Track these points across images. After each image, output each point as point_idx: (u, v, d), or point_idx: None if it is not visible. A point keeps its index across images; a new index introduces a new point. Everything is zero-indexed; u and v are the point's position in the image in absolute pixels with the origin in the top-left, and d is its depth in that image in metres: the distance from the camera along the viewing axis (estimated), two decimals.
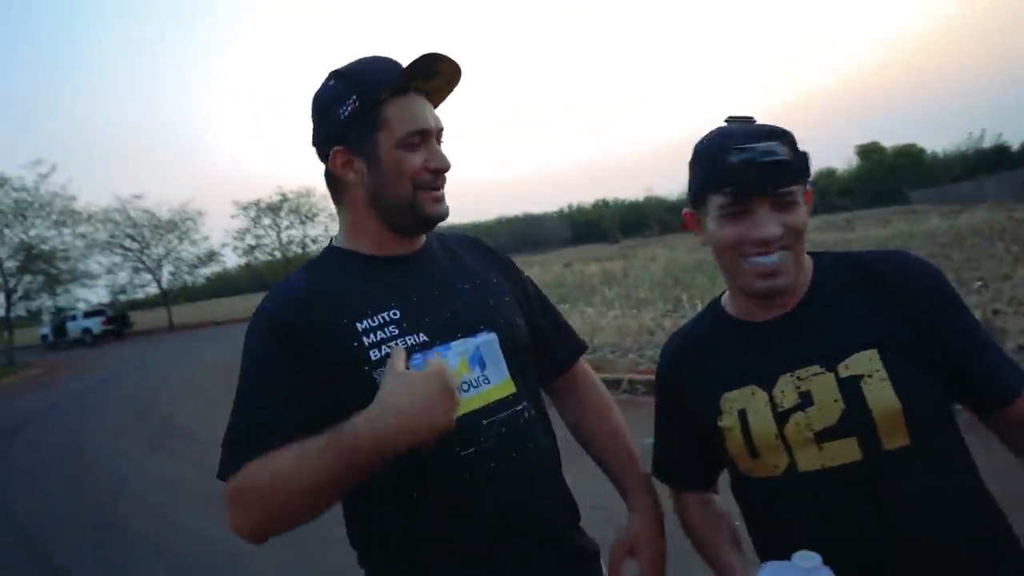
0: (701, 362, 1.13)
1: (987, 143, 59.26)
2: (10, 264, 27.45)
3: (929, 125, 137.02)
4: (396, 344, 1.03)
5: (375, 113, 1.07)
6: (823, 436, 0.99)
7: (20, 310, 30.34)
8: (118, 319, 33.68)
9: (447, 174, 1.13)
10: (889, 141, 70.02)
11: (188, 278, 41.14)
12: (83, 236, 31.93)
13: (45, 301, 31.65)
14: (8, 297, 27.50)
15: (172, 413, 9.72)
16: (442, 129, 1.13)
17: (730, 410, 1.06)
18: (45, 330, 33.77)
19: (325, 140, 1.12)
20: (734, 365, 1.08)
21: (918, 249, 13.97)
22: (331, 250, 1.18)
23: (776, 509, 1.05)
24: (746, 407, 1.05)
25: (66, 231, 30.23)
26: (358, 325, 1.05)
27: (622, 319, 9.86)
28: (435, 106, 1.15)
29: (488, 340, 1.10)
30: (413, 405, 0.91)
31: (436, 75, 1.11)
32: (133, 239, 36.49)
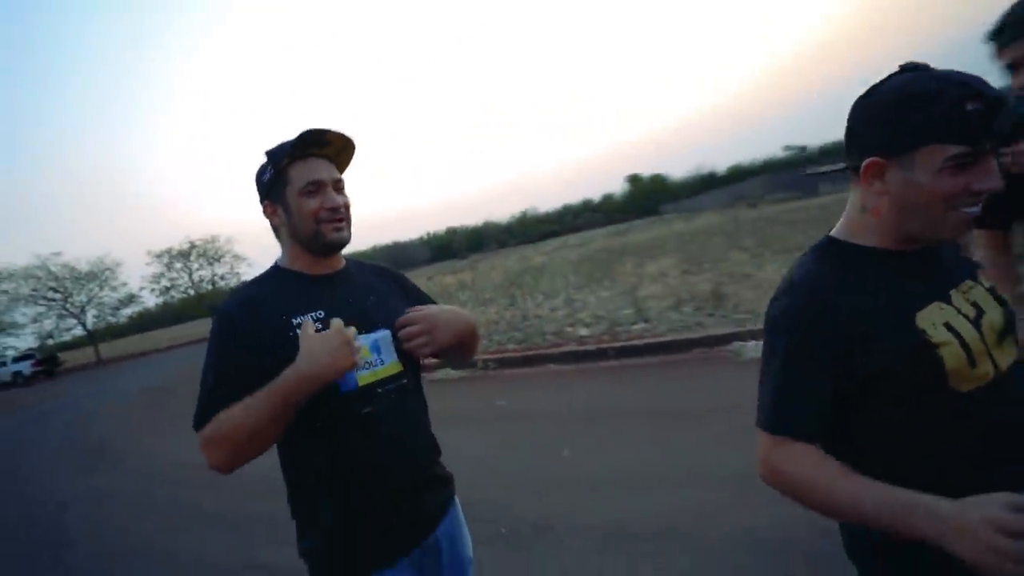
0: (860, 296, 0.86)
1: (704, 171, 65.66)
2: None
3: (671, 160, 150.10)
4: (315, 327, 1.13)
5: (283, 174, 1.18)
6: (1001, 337, 0.87)
7: None
8: (48, 360, 28.90)
9: (348, 210, 1.21)
10: (647, 171, 76.36)
11: (112, 319, 36.51)
12: (5, 292, 27.35)
13: None
14: None
15: (104, 437, 8.44)
16: (338, 179, 1.22)
17: (934, 326, 0.85)
18: None
19: (260, 198, 1.24)
20: (906, 289, 0.87)
21: (670, 244, 15.22)
22: (275, 268, 1.25)
23: (983, 419, 0.85)
24: (948, 320, 0.85)
25: None
26: (292, 320, 1.14)
27: (474, 315, 9.84)
28: (343, 166, 1.24)
29: (384, 335, 1.21)
30: (323, 350, 1.04)
31: (326, 143, 1.19)
32: (55, 291, 31.71)
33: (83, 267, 32.69)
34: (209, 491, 4.43)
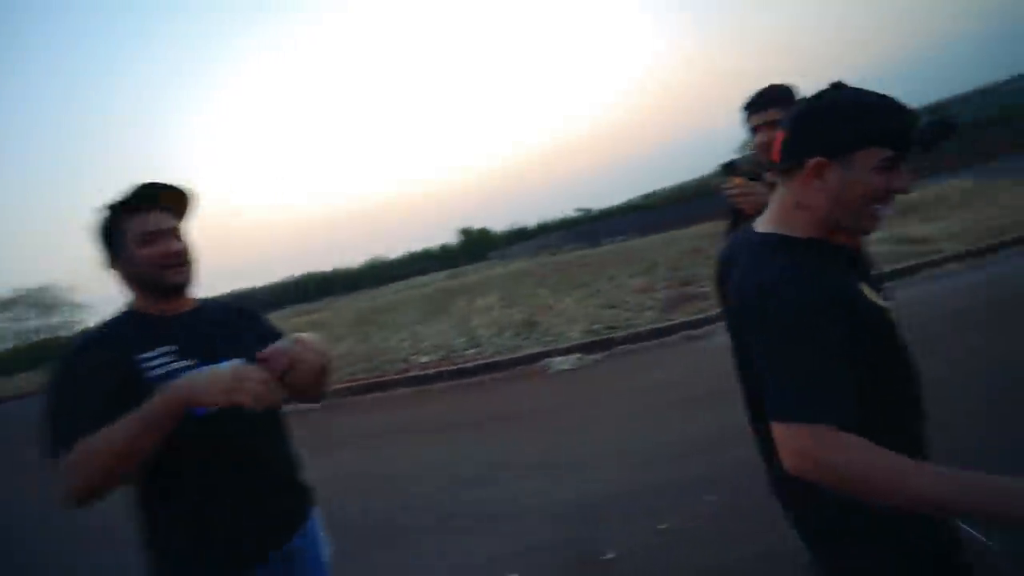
0: (841, 280, 0.84)
1: (518, 226, 70.58)
2: None
3: (493, 213, 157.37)
4: (172, 364, 1.07)
5: (120, 227, 1.11)
6: None
7: None
8: None
9: (188, 254, 1.14)
10: (474, 224, 79.69)
11: None
12: None
13: None
14: None
15: None
16: (172, 227, 1.13)
17: (876, 299, 0.86)
18: None
19: (101, 251, 1.15)
20: (851, 272, 0.88)
21: (493, 283, 15.96)
22: (126, 313, 1.16)
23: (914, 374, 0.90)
24: (872, 295, 0.87)
25: None
26: (141, 356, 1.07)
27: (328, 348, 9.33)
28: (181, 214, 1.16)
29: (236, 363, 1.08)
30: (207, 376, 0.96)
31: (156, 195, 1.12)
32: None
33: None
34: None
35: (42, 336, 30.38)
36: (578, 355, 5.50)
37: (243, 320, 1.27)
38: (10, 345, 30.07)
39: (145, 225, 1.10)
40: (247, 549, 1.09)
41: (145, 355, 1.06)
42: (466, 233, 77.34)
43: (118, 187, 1.12)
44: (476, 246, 69.46)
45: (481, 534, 2.59)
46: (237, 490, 1.09)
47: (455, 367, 6.05)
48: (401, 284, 42.22)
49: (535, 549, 2.36)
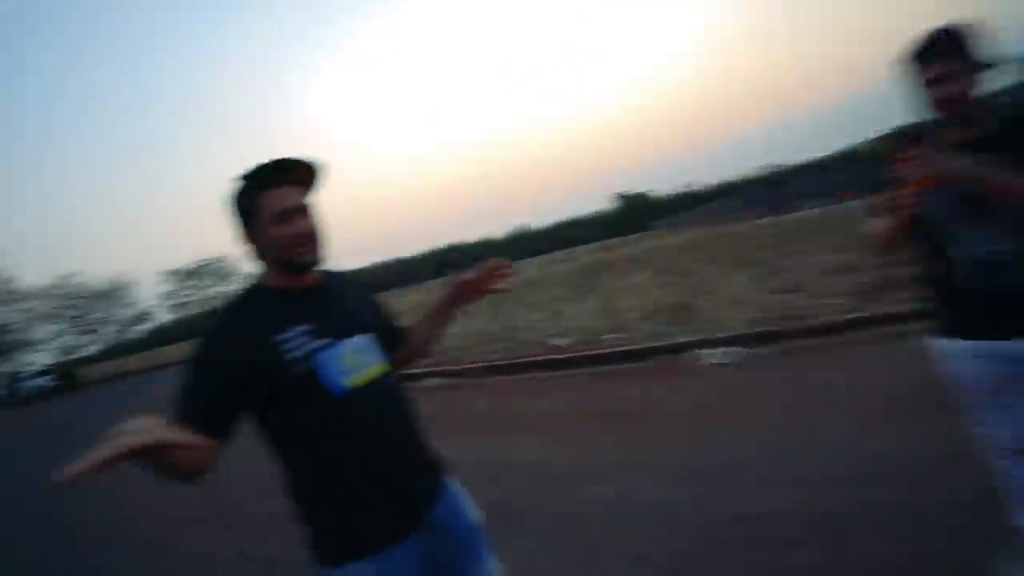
0: None
1: (694, 187, 66.17)
2: None
3: (655, 176, 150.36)
4: (309, 344, 1.16)
5: (253, 203, 1.19)
6: None
7: None
8: (66, 375, 29.21)
9: (317, 233, 1.22)
10: (637, 188, 77.03)
11: (127, 335, 36.79)
12: (28, 311, 27.64)
13: None
14: None
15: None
16: (304, 206, 1.21)
17: None
18: (1, 391, 28.54)
19: (235, 224, 1.24)
20: None
21: (653, 259, 15.36)
22: (255, 286, 1.25)
23: None
24: None
25: (10, 308, 25.92)
26: (278, 337, 1.15)
27: (464, 326, 10.07)
28: (311, 188, 1.23)
29: (368, 338, 1.27)
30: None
31: (290, 171, 1.19)
32: (73, 308, 31.98)
33: (99, 286, 33.00)
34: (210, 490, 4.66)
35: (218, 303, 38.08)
36: (736, 348, 5.09)
37: (360, 289, 1.39)
38: (194, 311, 38.10)
39: (278, 203, 1.17)
40: (385, 528, 1.18)
41: (282, 336, 1.15)
42: (624, 198, 75.19)
43: (251, 158, 1.20)
44: (636, 213, 67.27)
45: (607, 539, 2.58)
46: (371, 470, 1.18)
47: (592, 352, 6.05)
48: (546, 257, 43.06)
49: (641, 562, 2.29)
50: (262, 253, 1.22)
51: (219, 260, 38.08)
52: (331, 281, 1.32)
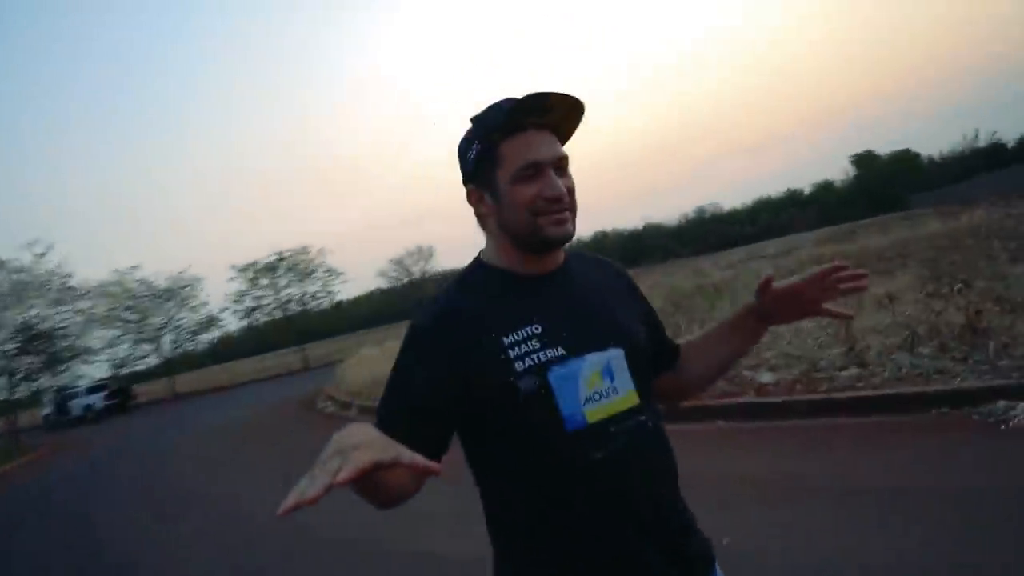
0: None
1: (982, 142, 59.85)
2: (10, 346, 27.73)
3: (922, 129, 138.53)
4: (543, 352, 1.19)
5: (493, 153, 1.23)
6: None
7: (23, 391, 30.50)
8: (120, 392, 33.81)
9: (573, 196, 1.26)
10: (883, 149, 70.90)
11: (189, 345, 41.72)
12: (82, 312, 32.45)
13: (47, 381, 31.82)
14: (10, 379, 27.70)
15: (179, 484, 9.79)
16: (562, 157, 1.25)
17: None
18: (48, 410, 33.82)
19: (464, 180, 1.31)
20: None
21: (916, 254, 14.20)
22: (479, 265, 1.33)
23: None
24: None
25: (64, 308, 30.70)
26: (504, 340, 1.19)
27: None
28: (566, 135, 1.29)
29: (617, 355, 1.25)
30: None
31: (547, 111, 1.22)
32: (132, 310, 36.97)
33: (161, 283, 37.83)
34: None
35: (300, 306, 41.14)
36: None
37: (616, 282, 1.42)
38: (275, 314, 41.49)
39: (527, 153, 1.21)
40: None
41: (512, 336, 1.19)
42: (866, 162, 69.68)
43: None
44: (886, 184, 62.03)
45: None
46: (606, 547, 1.19)
47: (817, 396, 5.79)
48: (745, 250, 41.50)
49: None
50: (498, 219, 1.26)
51: (300, 253, 41.58)
52: (576, 267, 1.36)
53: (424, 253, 49.63)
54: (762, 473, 4.71)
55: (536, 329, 1.20)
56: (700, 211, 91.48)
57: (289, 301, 41.46)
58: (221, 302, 43.81)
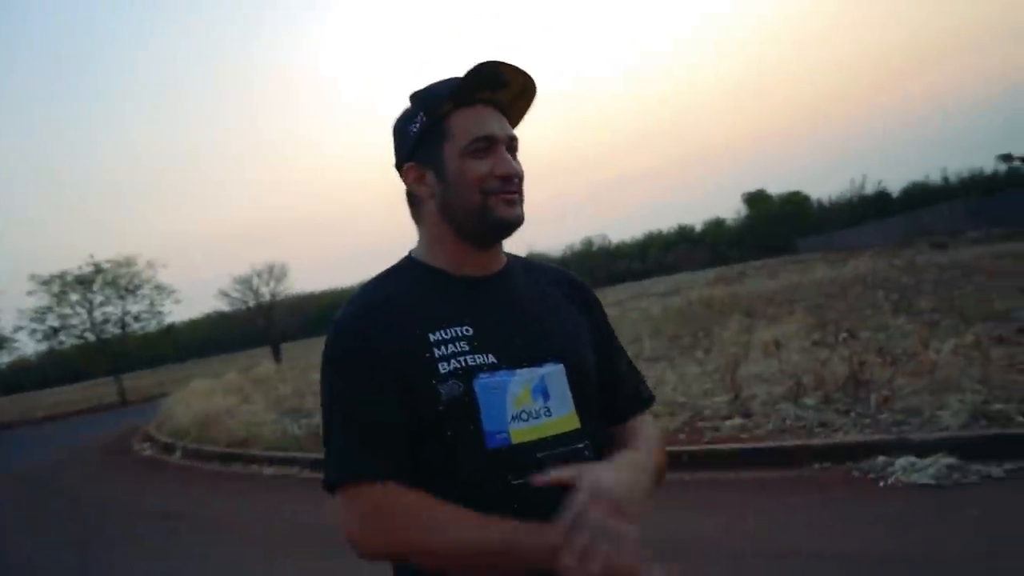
0: None
1: (869, 189, 65.37)
2: None
3: (812, 173, 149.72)
4: (469, 357, 1.18)
5: (440, 125, 1.25)
6: None
7: None
8: None
9: (522, 182, 1.29)
10: (775, 189, 76.17)
11: None
12: None
13: None
14: None
15: None
16: (513, 138, 1.29)
17: None
18: None
19: (401, 159, 1.32)
20: None
21: (804, 300, 15.21)
22: (409, 261, 1.34)
23: None
24: None
25: None
26: (430, 336, 1.19)
27: None
28: (515, 121, 1.32)
29: (555, 371, 1.24)
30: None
31: (502, 85, 1.26)
32: None
33: None
34: None
35: (121, 329, 38.37)
36: (950, 459, 4.86)
37: (567, 294, 1.40)
38: (87, 337, 38.52)
39: (480, 127, 1.24)
40: None
41: (436, 335, 1.20)
42: (758, 202, 74.72)
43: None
44: (777, 225, 66.69)
45: None
46: None
47: (699, 447, 6.04)
48: (632, 287, 42.93)
49: None
50: (441, 202, 1.27)
51: (123, 264, 39.08)
52: (521, 273, 1.37)
53: (276, 273, 47.69)
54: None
55: (467, 331, 1.20)
56: (587, 243, 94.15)
57: (106, 321, 38.55)
58: (14, 319, 39.87)
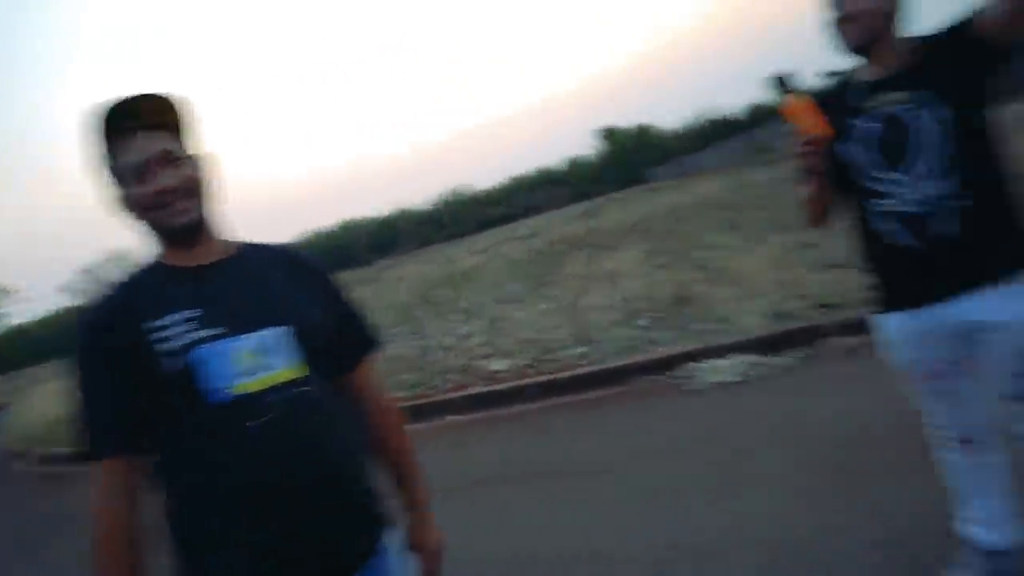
0: None
1: (711, 116, 67.84)
2: None
3: (661, 107, 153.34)
4: (191, 335, 1.34)
5: (108, 161, 1.40)
6: None
7: None
8: None
9: (188, 184, 1.40)
10: (628, 122, 77.86)
11: None
12: None
13: None
14: None
15: None
16: (164, 150, 1.39)
17: None
18: None
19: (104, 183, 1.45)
20: None
21: (655, 228, 15.58)
22: (147, 263, 1.47)
23: None
24: None
25: None
26: (152, 323, 1.34)
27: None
28: (177, 130, 1.43)
29: (278, 332, 1.40)
30: None
31: (137, 114, 1.38)
32: None
33: None
34: None
35: None
36: (751, 357, 5.37)
37: (299, 273, 1.56)
38: None
39: (127, 155, 1.37)
40: None
41: (157, 322, 1.34)
42: (612, 137, 75.99)
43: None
44: (630, 157, 68.14)
45: None
46: (267, 514, 1.34)
47: (543, 378, 6.30)
48: (498, 232, 42.83)
49: None
50: (137, 219, 1.43)
51: None
52: (247, 257, 1.52)
53: (120, 257, 45.91)
54: (479, 463, 5.08)
55: (189, 314, 1.35)
56: (455, 193, 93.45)
57: None
58: None
